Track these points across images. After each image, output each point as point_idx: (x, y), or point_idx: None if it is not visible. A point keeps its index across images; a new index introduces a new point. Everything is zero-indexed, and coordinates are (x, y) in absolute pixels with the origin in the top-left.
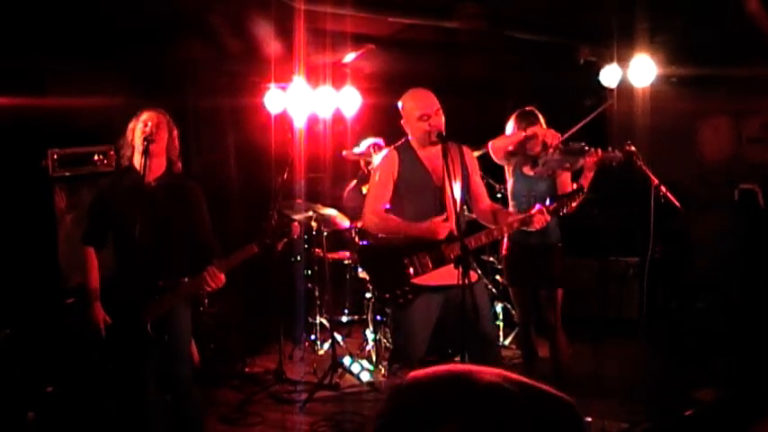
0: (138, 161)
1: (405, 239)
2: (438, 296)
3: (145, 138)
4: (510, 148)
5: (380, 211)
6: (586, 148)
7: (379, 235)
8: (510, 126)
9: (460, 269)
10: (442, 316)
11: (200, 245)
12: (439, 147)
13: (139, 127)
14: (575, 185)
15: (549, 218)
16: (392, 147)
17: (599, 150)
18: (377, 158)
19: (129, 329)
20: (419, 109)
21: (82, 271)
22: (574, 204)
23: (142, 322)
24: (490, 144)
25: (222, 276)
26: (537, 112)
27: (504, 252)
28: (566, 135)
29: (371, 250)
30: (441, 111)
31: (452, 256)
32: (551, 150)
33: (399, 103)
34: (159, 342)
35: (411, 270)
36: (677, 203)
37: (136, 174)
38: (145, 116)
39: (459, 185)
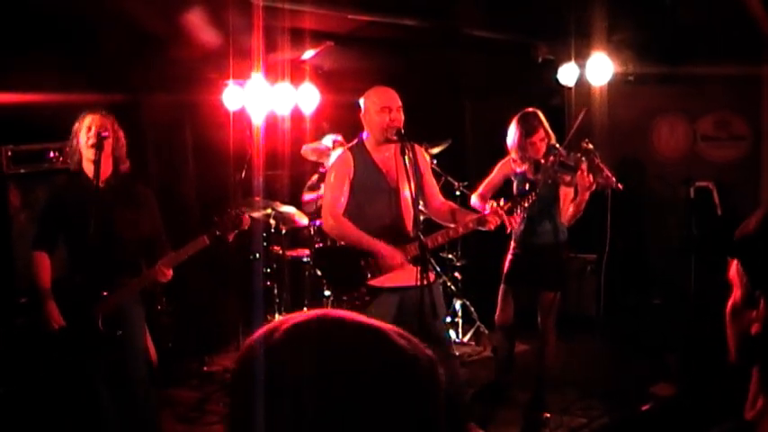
0: (87, 167)
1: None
2: (395, 297)
3: (93, 145)
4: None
5: (339, 215)
6: (582, 167)
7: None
8: (512, 130)
9: (418, 269)
10: (398, 316)
11: (151, 244)
12: (393, 148)
13: (83, 133)
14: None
15: (503, 217)
16: (346, 147)
17: (590, 175)
18: (332, 158)
19: (81, 327)
20: (381, 102)
21: (33, 274)
22: (526, 204)
23: (93, 318)
24: (477, 195)
25: (169, 272)
26: (539, 113)
27: (509, 252)
28: (564, 142)
29: (327, 252)
30: (402, 110)
31: (409, 258)
32: (551, 159)
33: (361, 100)
34: (111, 338)
35: (368, 272)
36: (630, 197)
37: (86, 178)
38: (88, 121)
39: (413, 185)
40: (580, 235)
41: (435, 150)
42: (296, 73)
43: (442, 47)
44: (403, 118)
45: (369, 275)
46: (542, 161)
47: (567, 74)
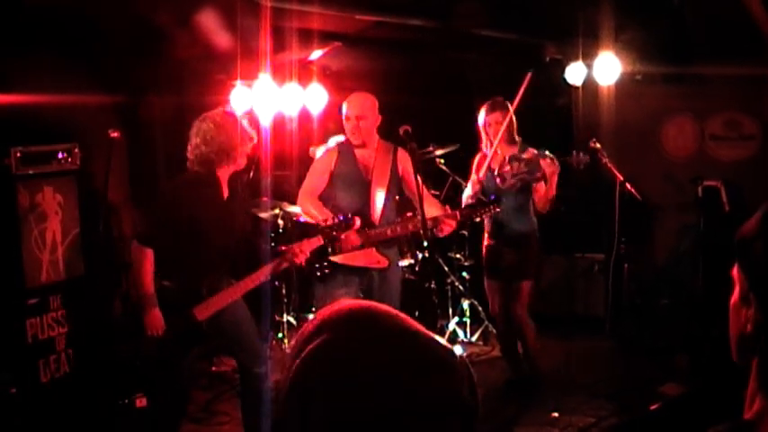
0: (227, 171)
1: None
2: (352, 276)
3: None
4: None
5: (312, 197)
6: (547, 158)
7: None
8: (481, 116)
9: (376, 252)
10: (356, 294)
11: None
12: (375, 149)
13: (239, 139)
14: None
15: (453, 227)
16: (336, 143)
17: (554, 161)
18: (320, 151)
19: (183, 329)
20: (344, 110)
21: (138, 272)
22: (486, 215)
23: (195, 321)
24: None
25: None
26: (507, 103)
27: (483, 246)
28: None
29: (298, 227)
30: (364, 119)
31: (350, 247)
32: (516, 164)
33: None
34: (217, 337)
35: (329, 249)
36: (638, 196)
37: (216, 180)
38: (245, 125)
39: (386, 182)
40: (588, 234)
41: (441, 152)
42: (303, 73)
43: (450, 47)
44: (367, 126)
45: (330, 252)
46: (506, 171)
47: (575, 73)
